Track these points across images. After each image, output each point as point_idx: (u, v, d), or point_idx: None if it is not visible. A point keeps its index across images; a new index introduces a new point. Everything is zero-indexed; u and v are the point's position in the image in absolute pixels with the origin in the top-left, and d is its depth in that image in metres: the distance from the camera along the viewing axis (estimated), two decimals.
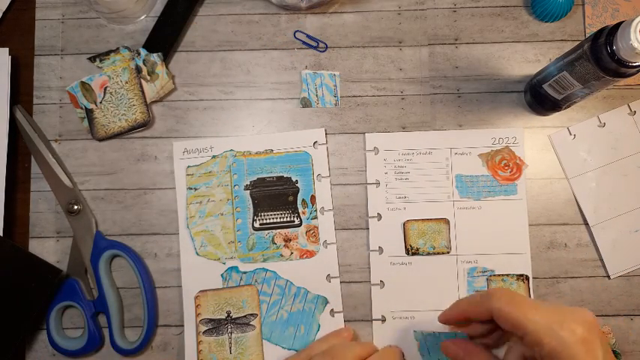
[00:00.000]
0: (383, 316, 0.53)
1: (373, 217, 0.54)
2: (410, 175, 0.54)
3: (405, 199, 0.54)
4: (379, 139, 0.55)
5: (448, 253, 0.53)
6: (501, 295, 0.42)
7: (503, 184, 0.54)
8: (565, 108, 0.52)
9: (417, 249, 0.53)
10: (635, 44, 0.39)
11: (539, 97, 0.52)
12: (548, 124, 0.55)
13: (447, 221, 0.53)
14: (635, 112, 0.55)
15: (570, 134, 0.54)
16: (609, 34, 0.41)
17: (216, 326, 0.52)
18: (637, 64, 0.41)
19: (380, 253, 0.53)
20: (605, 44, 0.41)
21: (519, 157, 0.54)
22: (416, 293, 0.53)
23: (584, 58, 0.44)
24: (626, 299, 0.53)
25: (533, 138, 0.55)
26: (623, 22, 0.40)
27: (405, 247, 0.53)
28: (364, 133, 0.55)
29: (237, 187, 0.54)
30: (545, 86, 0.50)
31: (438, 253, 0.53)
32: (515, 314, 0.40)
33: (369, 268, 0.53)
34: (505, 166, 0.54)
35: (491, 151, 0.54)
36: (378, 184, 0.54)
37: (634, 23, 0.39)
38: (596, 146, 0.54)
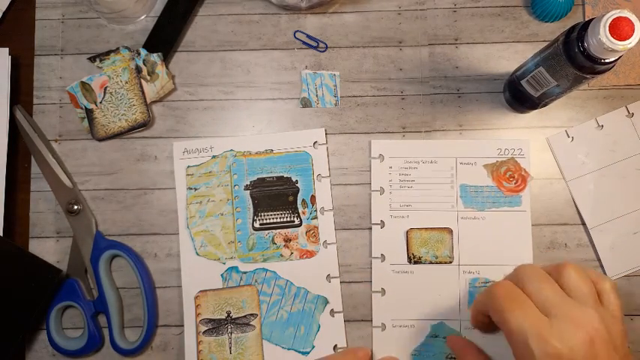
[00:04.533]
0: (383, 324, 0.52)
1: (376, 224, 0.54)
2: (414, 184, 0.54)
3: (408, 207, 0.54)
4: (385, 146, 0.54)
5: (450, 262, 0.53)
6: (499, 289, 0.40)
7: (508, 196, 0.53)
8: (542, 106, 0.52)
9: (420, 258, 0.53)
10: (604, 40, 0.39)
11: (518, 94, 0.52)
12: (549, 124, 0.55)
13: (450, 231, 0.53)
14: (632, 114, 0.55)
15: (568, 137, 0.54)
16: (581, 30, 0.41)
17: (216, 326, 0.52)
18: (607, 60, 0.41)
19: (382, 261, 0.53)
20: (577, 40, 0.41)
21: (524, 169, 0.54)
22: (417, 302, 0.53)
23: (557, 54, 0.43)
24: (627, 299, 0.53)
25: (533, 138, 0.55)
26: (594, 18, 0.40)
27: (408, 255, 0.53)
28: (367, 133, 0.55)
29: (237, 187, 0.54)
30: (524, 82, 0.50)
31: (441, 263, 0.53)
32: (502, 310, 0.38)
33: (371, 275, 0.53)
34: (510, 177, 0.54)
35: (497, 162, 0.54)
36: (382, 191, 0.54)
37: (604, 19, 0.39)
38: (594, 149, 0.54)
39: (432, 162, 0.54)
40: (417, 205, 0.54)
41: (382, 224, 0.54)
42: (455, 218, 0.53)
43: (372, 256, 0.53)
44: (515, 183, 0.53)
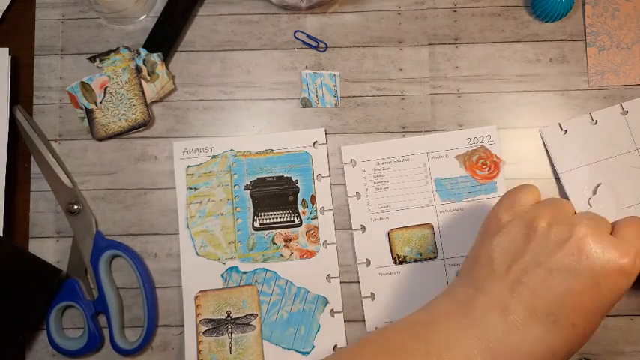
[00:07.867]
0: (377, 328, 0.52)
1: (357, 229, 0.53)
2: (390, 184, 0.54)
3: (387, 209, 0.54)
4: (355, 150, 0.54)
5: (435, 257, 0.53)
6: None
7: (483, 184, 0.54)
8: None
9: (404, 257, 0.53)
10: None
11: None
12: (548, 123, 0.55)
13: (430, 226, 0.53)
14: (627, 111, 0.55)
15: (562, 130, 0.54)
16: None
17: (216, 326, 0.52)
18: None
19: (367, 265, 0.53)
20: None
21: (496, 155, 0.54)
22: (408, 301, 0.52)
23: None
24: (626, 299, 0.53)
25: (531, 136, 0.55)
26: None
27: (392, 256, 0.53)
28: (367, 133, 0.55)
29: (237, 187, 0.54)
30: None
31: (426, 259, 0.53)
32: None
33: (358, 281, 0.53)
34: (483, 165, 0.54)
35: (468, 151, 0.54)
36: (358, 196, 0.54)
37: None
38: (587, 143, 0.54)
39: (403, 160, 0.54)
40: (395, 205, 0.54)
41: (363, 229, 0.54)
42: (434, 213, 0.54)
43: (357, 261, 0.53)
44: (488, 170, 0.54)
